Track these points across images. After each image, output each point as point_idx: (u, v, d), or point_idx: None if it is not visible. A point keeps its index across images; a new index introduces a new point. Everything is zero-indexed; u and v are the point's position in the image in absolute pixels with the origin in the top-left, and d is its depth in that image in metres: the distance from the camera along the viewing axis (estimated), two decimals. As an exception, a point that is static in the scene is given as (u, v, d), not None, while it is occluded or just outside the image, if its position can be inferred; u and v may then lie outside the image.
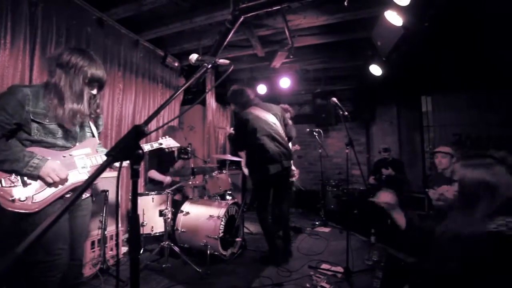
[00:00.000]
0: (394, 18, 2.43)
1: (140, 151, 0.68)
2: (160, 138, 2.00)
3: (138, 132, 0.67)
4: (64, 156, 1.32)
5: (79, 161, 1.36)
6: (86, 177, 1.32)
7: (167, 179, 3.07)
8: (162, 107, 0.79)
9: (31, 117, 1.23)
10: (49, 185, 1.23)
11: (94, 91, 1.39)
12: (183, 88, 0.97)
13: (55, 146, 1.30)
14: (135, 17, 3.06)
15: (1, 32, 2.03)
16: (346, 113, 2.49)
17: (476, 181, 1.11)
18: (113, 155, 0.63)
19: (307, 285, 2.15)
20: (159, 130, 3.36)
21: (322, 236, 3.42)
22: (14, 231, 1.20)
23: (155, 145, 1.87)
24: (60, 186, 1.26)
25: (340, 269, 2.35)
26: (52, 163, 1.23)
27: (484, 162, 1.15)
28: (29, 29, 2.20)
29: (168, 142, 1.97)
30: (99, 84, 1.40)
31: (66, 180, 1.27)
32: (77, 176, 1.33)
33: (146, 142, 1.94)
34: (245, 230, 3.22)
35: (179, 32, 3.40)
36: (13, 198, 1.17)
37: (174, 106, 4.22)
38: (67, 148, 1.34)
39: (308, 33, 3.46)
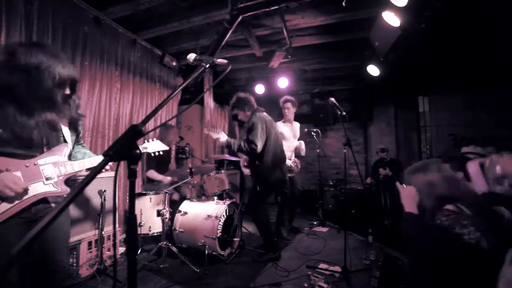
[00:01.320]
0: (391, 19, 2.44)
1: (138, 151, 0.67)
2: (146, 141, 1.69)
3: (135, 132, 0.67)
4: (27, 166, 1.15)
5: (45, 171, 1.19)
6: (52, 189, 1.20)
7: (167, 178, 3.05)
8: (159, 107, 0.79)
9: None
10: (3, 199, 1.10)
11: (67, 91, 1.23)
12: (181, 88, 0.97)
13: (16, 156, 1.14)
14: (133, 16, 3.05)
15: (-4, 30, 2.00)
16: (344, 113, 2.50)
17: (419, 185, 1.21)
18: (110, 155, 0.63)
19: (305, 284, 2.15)
20: (156, 130, 3.34)
21: (320, 236, 3.43)
22: None
23: None
24: (16, 201, 1.12)
25: (338, 268, 2.36)
26: (6, 176, 1.07)
27: (419, 166, 1.25)
28: (24, 27, 2.17)
29: (154, 146, 1.69)
30: (71, 82, 1.23)
31: (25, 193, 1.13)
32: (41, 188, 1.17)
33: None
34: (243, 230, 3.22)
35: (177, 32, 3.39)
36: None
37: (172, 106, 4.20)
38: (31, 156, 1.17)
39: (306, 33, 3.47)
